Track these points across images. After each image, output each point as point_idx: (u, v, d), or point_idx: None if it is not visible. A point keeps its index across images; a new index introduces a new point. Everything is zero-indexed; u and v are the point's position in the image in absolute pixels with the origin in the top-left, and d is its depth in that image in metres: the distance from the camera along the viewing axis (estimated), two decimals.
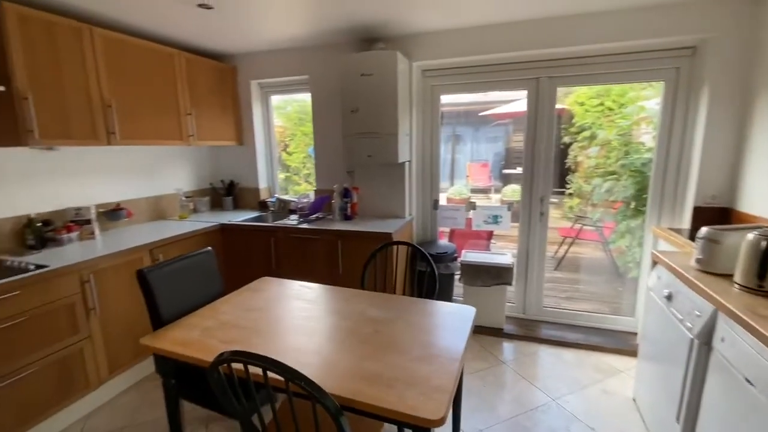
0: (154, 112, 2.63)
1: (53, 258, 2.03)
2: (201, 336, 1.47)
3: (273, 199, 3.39)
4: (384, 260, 2.34)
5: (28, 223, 2.21)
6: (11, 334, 1.73)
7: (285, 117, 4.24)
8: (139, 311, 2.04)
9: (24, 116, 1.93)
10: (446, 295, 3.01)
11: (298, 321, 1.60)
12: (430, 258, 2.01)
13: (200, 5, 2.19)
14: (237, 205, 3.58)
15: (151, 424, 2.03)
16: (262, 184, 3.58)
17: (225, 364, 1.06)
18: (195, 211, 3.37)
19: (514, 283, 2.95)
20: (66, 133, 2.13)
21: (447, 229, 3.69)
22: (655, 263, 1.94)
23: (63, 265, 1.92)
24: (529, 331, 2.88)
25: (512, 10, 2.38)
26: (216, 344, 1.40)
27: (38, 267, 1.88)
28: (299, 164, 4.25)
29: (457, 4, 2.27)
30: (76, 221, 2.42)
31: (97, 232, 2.49)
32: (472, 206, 3.18)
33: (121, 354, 2.24)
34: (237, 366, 1.05)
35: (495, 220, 3.17)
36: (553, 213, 4.98)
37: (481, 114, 5.51)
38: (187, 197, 3.28)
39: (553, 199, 3.14)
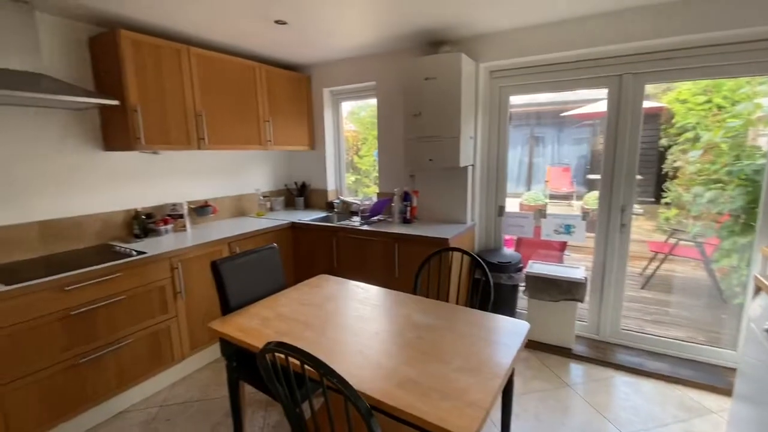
0: (237, 120, 2.93)
1: (152, 246, 2.37)
2: (259, 325, 1.60)
3: (338, 201, 3.55)
4: (439, 266, 2.30)
5: (135, 215, 2.60)
6: (114, 309, 2.06)
7: (358, 121, 4.41)
8: (216, 297, 2.29)
9: (133, 125, 2.28)
10: (508, 308, 2.86)
11: (347, 319, 1.66)
12: (484, 266, 1.93)
13: (277, 21, 2.39)
14: (307, 205, 3.82)
15: (219, 401, 2.25)
16: (330, 186, 3.76)
17: (270, 353, 1.14)
18: (271, 209, 3.66)
19: (586, 300, 2.69)
20: (166, 139, 2.48)
21: (515, 238, 3.51)
22: (758, 290, 1.63)
23: (157, 253, 2.23)
24: (602, 354, 2.60)
25: (591, 3, 2.18)
26: (270, 334, 1.51)
27: (139, 253, 2.20)
28: (369, 167, 4.39)
29: (525, 2, 2.15)
30: (171, 215, 2.80)
31: (188, 225, 2.84)
32: (542, 214, 2.98)
33: (200, 334, 2.52)
34: (281, 356, 1.13)
35: (567, 230, 2.92)
36: (644, 225, 4.45)
37: (563, 114, 5.13)
38: (264, 197, 3.59)
39: (637, 209, 2.80)
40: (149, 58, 2.35)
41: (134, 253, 2.21)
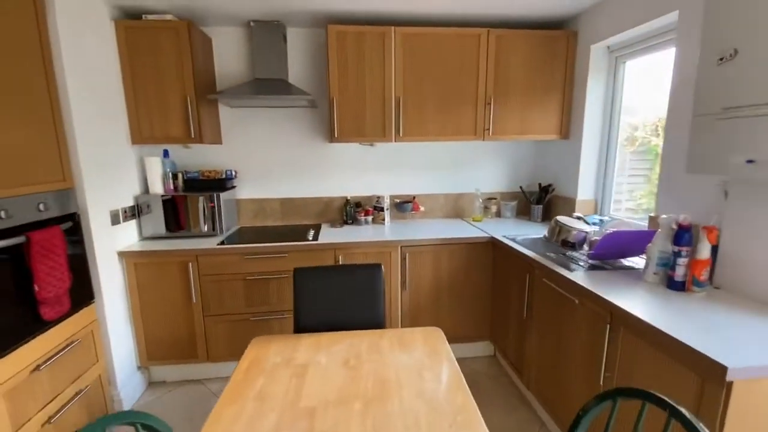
0: (444, 106, 2.46)
1: (344, 234, 2.44)
2: (268, 369, 1.26)
3: (597, 220, 2.30)
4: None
5: (346, 203, 2.80)
6: (283, 284, 2.31)
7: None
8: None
9: (331, 119, 2.38)
10: None
11: None
12: None
13: None
14: (548, 216, 2.77)
15: None
16: (584, 194, 2.53)
17: None
18: (498, 215, 2.95)
19: None
20: (359, 131, 2.44)
21: None
22: None
23: (325, 242, 2.29)
24: None
25: None
26: (251, 394, 1.15)
27: (314, 240, 2.33)
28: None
29: None
30: (375, 207, 2.81)
31: (387, 219, 2.77)
32: None
33: None
34: None
35: None
36: None
37: None
38: (489, 198, 2.93)
39: None
40: (351, 47, 2.34)
41: (309, 238, 2.37)
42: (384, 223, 2.75)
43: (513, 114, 2.53)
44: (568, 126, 2.58)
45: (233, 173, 2.65)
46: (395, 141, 2.47)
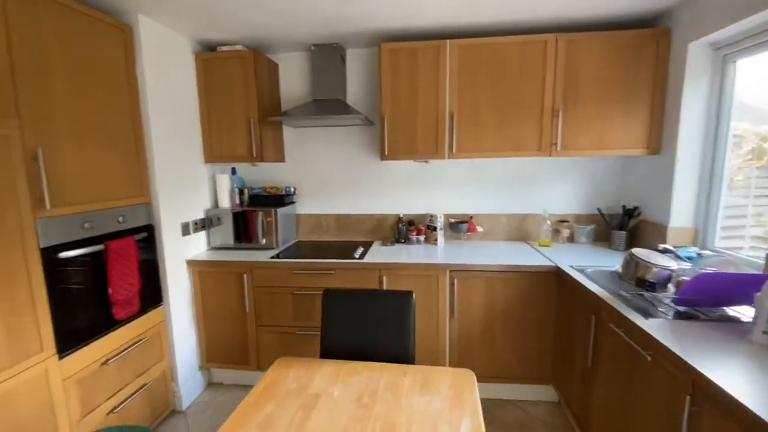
0: (502, 120, 2.26)
1: (396, 253, 2.39)
2: (279, 399, 1.24)
3: (692, 253, 1.88)
4: None
5: (398, 221, 2.73)
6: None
7: None
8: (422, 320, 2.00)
9: (381, 137, 2.35)
10: None
11: None
12: None
13: None
14: (632, 244, 2.35)
15: None
16: (680, 221, 2.09)
17: None
18: (570, 240, 2.60)
19: None
20: (410, 149, 2.36)
21: None
22: None
23: (368, 261, 2.24)
24: None
25: None
26: (254, 419, 1.14)
27: (359, 258, 2.30)
28: None
29: None
30: (428, 226, 2.68)
31: (440, 239, 2.61)
32: None
33: None
34: None
35: None
36: None
37: None
38: (561, 221, 2.60)
39: None
40: (404, 64, 2.29)
41: (356, 256, 2.34)
42: (437, 244, 2.61)
43: (588, 126, 2.22)
44: (658, 139, 2.17)
45: (292, 189, 2.77)
46: (447, 158, 2.33)
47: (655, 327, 1.29)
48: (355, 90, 2.69)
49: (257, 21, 2.12)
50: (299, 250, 2.55)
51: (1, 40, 1.36)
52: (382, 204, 2.82)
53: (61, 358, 1.58)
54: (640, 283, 1.51)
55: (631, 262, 1.58)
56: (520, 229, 2.71)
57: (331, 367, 1.40)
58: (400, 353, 1.48)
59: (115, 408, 1.83)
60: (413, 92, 2.31)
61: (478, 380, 2.27)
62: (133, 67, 1.96)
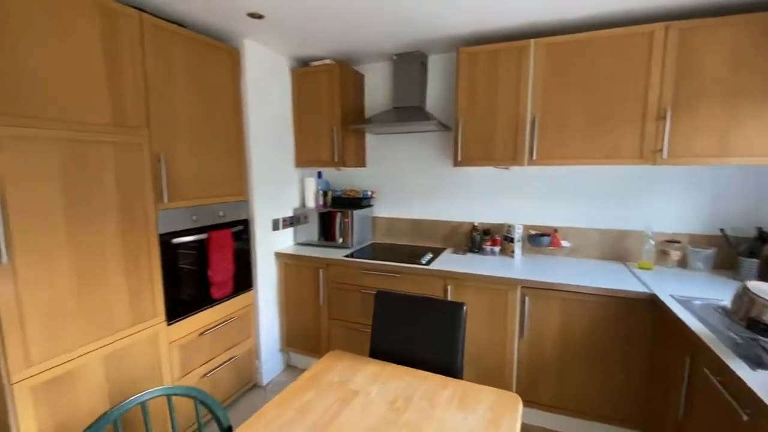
0: (593, 123, 2.01)
1: (466, 262, 2.34)
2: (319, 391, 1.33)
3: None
4: None
5: (473, 229, 2.63)
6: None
7: None
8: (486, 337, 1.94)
9: (455, 143, 2.31)
10: None
11: None
12: None
13: None
14: (766, 273, 1.87)
15: None
16: None
17: None
18: (683, 264, 2.19)
19: None
20: (486, 155, 2.26)
21: None
22: None
23: (434, 268, 2.22)
24: None
25: None
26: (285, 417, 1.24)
27: (426, 265, 2.30)
28: None
29: None
30: (505, 237, 2.53)
31: (517, 251, 2.44)
32: None
33: None
34: None
35: None
36: None
37: None
38: (671, 241, 2.21)
39: None
40: (483, 67, 2.21)
41: (423, 262, 2.33)
42: (513, 256, 2.45)
43: (706, 130, 1.85)
44: None
45: (369, 193, 2.89)
46: (527, 165, 2.17)
47: (759, 381, 1.02)
48: (435, 96, 2.69)
49: (344, 36, 2.28)
50: (372, 251, 2.65)
51: (139, 68, 1.73)
52: (457, 210, 2.75)
53: (169, 324, 1.94)
54: (753, 324, 1.20)
55: (744, 297, 1.26)
56: (616, 247, 2.37)
57: (375, 367, 1.44)
58: (446, 364, 1.44)
59: (207, 373, 2.17)
60: (492, 96, 2.21)
61: (546, 409, 2.08)
62: (238, 84, 2.29)
